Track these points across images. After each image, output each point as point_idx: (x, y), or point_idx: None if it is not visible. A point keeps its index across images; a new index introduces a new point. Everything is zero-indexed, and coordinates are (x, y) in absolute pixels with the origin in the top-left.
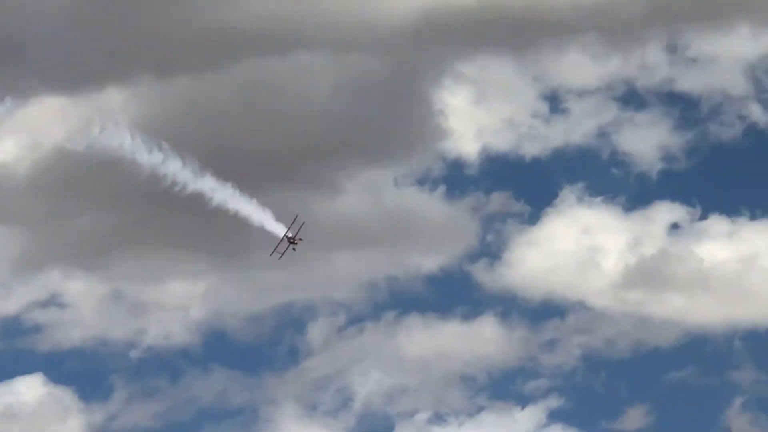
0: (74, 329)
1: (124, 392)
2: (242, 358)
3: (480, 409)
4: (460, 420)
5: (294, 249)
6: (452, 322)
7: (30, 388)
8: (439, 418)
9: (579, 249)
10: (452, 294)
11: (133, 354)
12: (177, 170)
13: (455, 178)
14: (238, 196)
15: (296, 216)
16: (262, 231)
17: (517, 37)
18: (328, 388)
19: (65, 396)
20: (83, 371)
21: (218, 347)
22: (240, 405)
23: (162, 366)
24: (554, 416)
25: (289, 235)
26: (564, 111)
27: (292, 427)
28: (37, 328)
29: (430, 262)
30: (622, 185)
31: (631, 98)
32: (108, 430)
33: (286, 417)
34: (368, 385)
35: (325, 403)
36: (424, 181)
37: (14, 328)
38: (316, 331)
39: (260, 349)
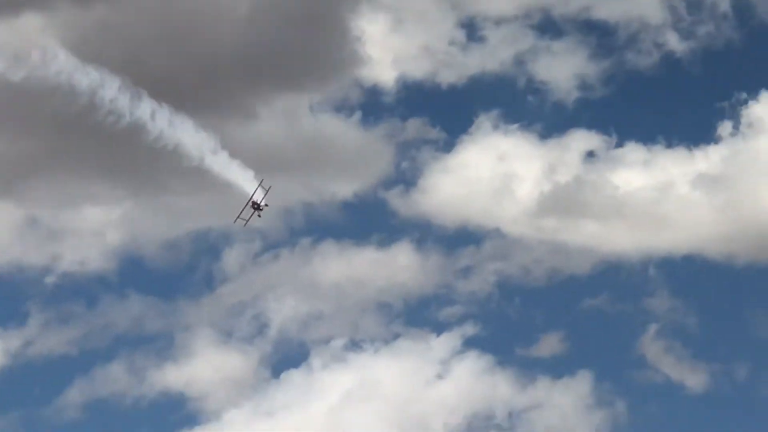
0: None
1: (39, 318)
2: (158, 285)
3: (396, 336)
4: (376, 347)
5: (259, 216)
6: (367, 249)
7: None
8: (354, 345)
9: (494, 176)
10: (367, 221)
11: (49, 280)
12: (94, 92)
13: (371, 105)
14: (156, 118)
15: (261, 180)
16: (176, 154)
17: None
18: (244, 314)
19: None
20: None
21: (134, 273)
22: (156, 331)
23: (78, 292)
24: (469, 343)
25: (256, 200)
26: (481, 39)
27: (207, 353)
28: None
29: (345, 189)
30: (538, 113)
31: (548, 26)
32: (24, 356)
33: (202, 343)
34: (283, 312)
35: (241, 330)
36: (340, 107)
37: None
38: (232, 258)
39: (176, 276)
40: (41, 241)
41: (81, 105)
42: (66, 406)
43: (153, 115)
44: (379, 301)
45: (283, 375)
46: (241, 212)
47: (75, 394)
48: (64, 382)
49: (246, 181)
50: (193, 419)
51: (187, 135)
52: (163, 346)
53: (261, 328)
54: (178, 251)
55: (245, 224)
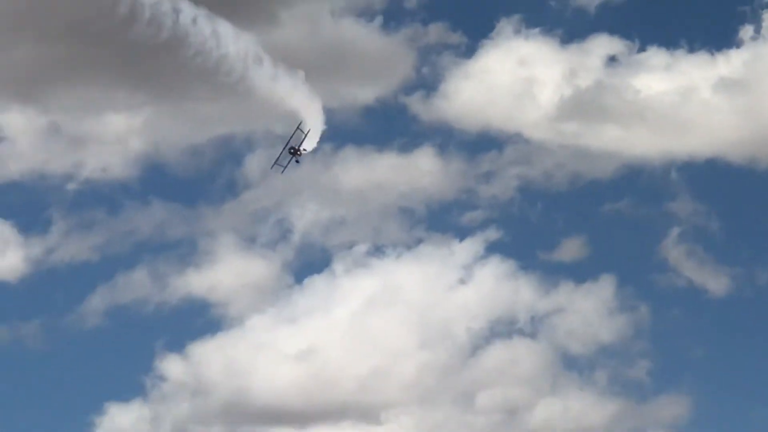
0: (12, 163)
1: (62, 225)
2: (180, 191)
3: (418, 242)
4: (399, 252)
5: (297, 161)
6: (389, 154)
7: None
8: (377, 250)
9: (515, 81)
10: (389, 126)
11: (71, 187)
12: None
13: (393, 10)
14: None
15: (300, 123)
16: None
17: None
18: (267, 220)
19: (4, 229)
20: (21, 205)
21: (156, 180)
22: (178, 237)
23: (100, 199)
24: (492, 248)
25: (294, 145)
26: None
27: (230, 259)
28: None
29: (366, 94)
30: (560, 18)
31: None
32: (47, 263)
33: (225, 249)
34: (306, 218)
35: (264, 236)
36: (361, 12)
37: None
38: (254, 164)
39: (198, 182)
40: (63, 148)
41: (117, 14)
42: (88, 313)
43: (194, 22)
44: (401, 207)
45: (305, 281)
46: (278, 157)
47: (97, 301)
48: (87, 289)
49: (295, 90)
50: (216, 325)
51: (229, 43)
52: (186, 252)
53: (284, 233)
54: (200, 157)
55: (282, 171)
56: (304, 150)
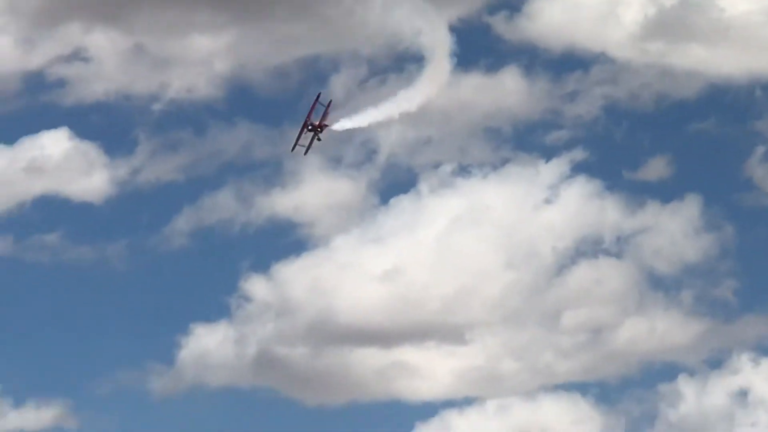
0: (98, 83)
1: (147, 146)
2: (266, 112)
3: (504, 161)
4: (485, 172)
5: (319, 139)
6: (474, 74)
7: (55, 143)
8: (463, 170)
9: (600, 0)
10: (473, 46)
11: (156, 107)
12: None
13: None
14: None
15: (319, 94)
16: None
17: None
18: (352, 140)
19: (90, 150)
20: (107, 125)
21: (242, 100)
22: (264, 158)
23: (185, 119)
24: (577, 168)
25: (314, 122)
26: None
27: (316, 180)
28: (60, 83)
29: (450, 14)
30: None
31: None
32: (132, 184)
33: (310, 170)
34: (392, 138)
35: (349, 156)
36: None
37: (38, 82)
38: (339, 84)
39: (284, 102)
40: (148, 69)
41: None
42: (173, 234)
43: None
44: (487, 127)
45: (391, 201)
46: (298, 138)
47: (182, 222)
48: (172, 210)
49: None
50: (301, 246)
51: None
52: (272, 173)
53: (369, 154)
54: (285, 78)
55: (306, 152)
56: (326, 125)
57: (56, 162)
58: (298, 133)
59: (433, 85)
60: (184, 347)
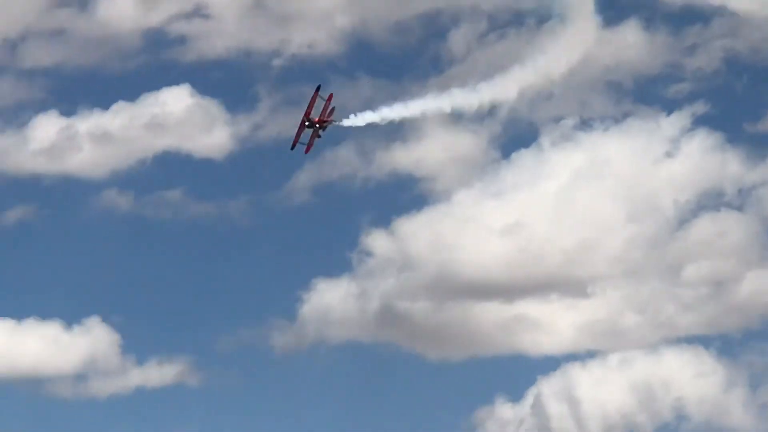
0: (218, 40)
1: (268, 102)
2: (387, 67)
3: (625, 115)
4: (606, 125)
5: (319, 136)
6: (595, 28)
7: (177, 99)
8: (584, 124)
9: None
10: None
11: (277, 63)
12: None
13: None
14: None
15: (318, 87)
16: None
17: None
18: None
19: (211, 107)
20: (228, 82)
21: (363, 56)
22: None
23: (307, 75)
24: (699, 121)
25: (314, 118)
26: None
27: (437, 134)
28: (181, 40)
29: None
30: None
31: None
32: (253, 140)
33: (431, 124)
34: (512, 92)
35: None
36: None
37: (159, 39)
38: (459, 39)
39: (404, 58)
40: (269, 25)
41: None
42: (295, 190)
43: None
44: (608, 80)
45: (512, 155)
46: (297, 134)
47: (304, 178)
48: (293, 165)
49: None
50: (422, 200)
51: None
52: (392, 127)
53: (491, 108)
54: (405, 33)
55: (307, 150)
56: (330, 120)
57: (177, 118)
58: (297, 130)
59: (577, 47)
60: (306, 303)
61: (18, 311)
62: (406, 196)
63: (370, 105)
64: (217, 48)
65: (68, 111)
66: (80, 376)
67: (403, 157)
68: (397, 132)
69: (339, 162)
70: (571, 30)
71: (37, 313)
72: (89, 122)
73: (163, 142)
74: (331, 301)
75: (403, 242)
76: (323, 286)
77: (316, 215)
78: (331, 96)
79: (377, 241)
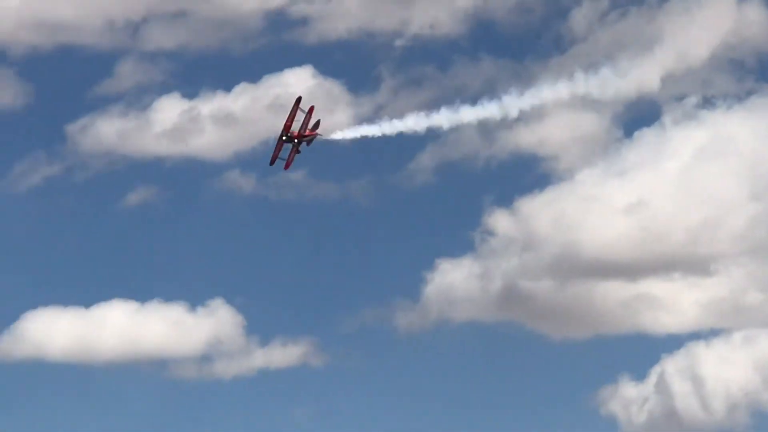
0: (340, 21)
1: (391, 83)
2: (509, 47)
3: (749, 93)
4: (729, 104)
5: (299, 151)
6: (714, 4)
7: (299, 80)
8: (707, 102)
9: None
10: None
11: (399, 44)
12: None
13: None
14: None
15: (299, 99)
16: None
17: None
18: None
19: (333, 88)
20: (350, 63)
21: (485, 36)
22: (507, 92)
23: (429, 55)
24: None
25: (294, 132)
26: None
27: (559, 114)
28: (303, 21)
29: None
30: None
31: None
32: (376, 120)
33: (554, 104)
34: (635, 71)
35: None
36: None
37: (281, 20)
38: (580, 18)
39: (526, 37)
40: (390, 6)
41: None
42: (417, 171)
43: None
44: (731, 58)
45: (635, 134)
46: (276, 150)
47: (426, 159)
48: (416, 146)
49: None
50: (545, 179)
51: None
52: (516, 107)
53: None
54: (528, 13)
55: (286, 166)
56: (314, 134)
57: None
58: (276, 144)
59: (709, 27)
60: (429, 283)
61: (142, 294)
62: (529, 175)
63: (492, 85)
64: (339, 29)
65: (191, 93)
66: (204, 358)
67: (526, 137)
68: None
69: (461, 142)
70: (700, 10)
71: (161, 296)
72: (212, 104)
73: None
74: (453, 281)
75: (526, 222)
76: (446, 266)
77: (438, 195)
78: (312, 109)
79: (500, 221)
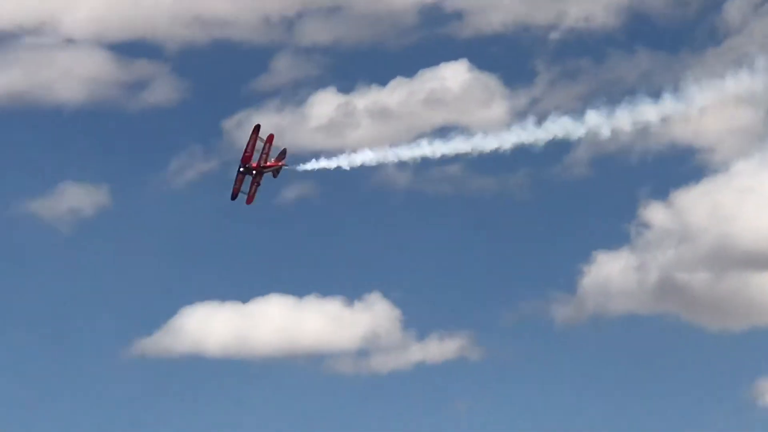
0: (495, 15)
1: (546, 76)
2: (664, 39)
3: None
4: None
5: (259, 183)
6: None
7: (454, 75)
8: None
9: None
10: None
11: (554, 37)
12: None
13: None
14: None
15: (257, 127)
16: None
17: None
18: (751, 66)
19: (489, 81)
20: (506, 56)
21: (640, 28)
22: (663, 85)
23: (584, 48)
24: None
25: (253, 164)
26: None
27: (715, 105)
28: (458, 15)
29: None
30: None
31: None
32: (531, 114)
33: (711, 94)
34: None
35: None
36: None
37: (436, 14)
38: (734, 10)
39: (683, 30)
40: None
41: None
42: (573, 163)
43: None
44: None
45: None
46: (235, 183)
47: (582, 151)
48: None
49: None
50: (701, 172)
51: None
52: (672, 99)
53: None
54: (683, 5)
55: (248, 201)
56: (284, 165)
57: (455, 94)
58: (235, 177)
59: None
60: (586, 275)
61: (299, 288)
62: (684, 168)
63: (647, 77)
64: (494, 23)
65: (346, 87)
66: (361, 352)
67: (681, 129)
68: (675, 104)
69: (617, 134)
70: None
71: (318, 290)
72: (367, 98)
73: (441, 117)
74: (610, 273)
75: (682, 214)
76: (603, 258)
77: (594, 188)
78: (271, 137)
79: (655, 213)
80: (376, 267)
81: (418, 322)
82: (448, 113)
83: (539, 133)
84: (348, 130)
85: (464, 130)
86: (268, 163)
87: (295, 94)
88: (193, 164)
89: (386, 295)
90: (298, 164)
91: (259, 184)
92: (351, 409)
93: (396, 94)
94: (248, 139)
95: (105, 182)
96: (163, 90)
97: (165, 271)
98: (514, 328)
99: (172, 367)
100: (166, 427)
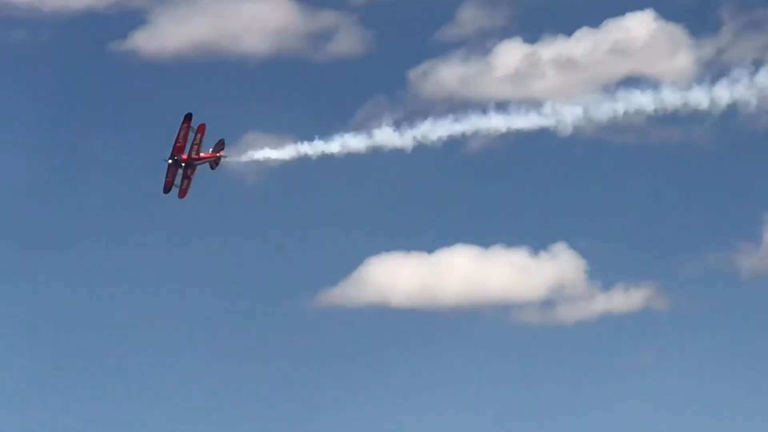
0: None
1: (732, 25)
2: None
3: None
4: None
5: (189, 177)
6: None
7: (640, 24)
8: None
9: None
10: None
11: None
12: None
13: None
14: None
15: (188, 116)
16: None
17: None
18: None
19: (675, 31)
20: (692, 6)
21: None
22: None
23: None
24: None
25: (183, 155)
26: None
27: None
28: None
29: None
30: None
31: None
32: (717, 64)
33: None
34: None
35: None
36: None
37: None
38: None
39: None
40: None
41: None
42: (760, 113)
43: None
44: None
45: None
46: (167, 176)
47: None
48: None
49: None
50: None
51: None
52: None
53: None
54: None
55: (181, 195)
56: (223, 156)
57: (641, 44)
58: (165, 169)
59: None
60: None
61: (485, 238)
62: None
63: None
64: None
65: (532, 38)
66: (547, 303)
67: None
68: None
69: None
70: None
71: (504, 240)
72: (552, 49)
73: (626, 68)
74: None
75: None
76: None
77: None
78: (202, 127)
79: None
80: (561, 217)
81: (603, 272)
82: (634, 64)
83: (725, 87)
84: (533, 80)
85: (649, 82)
86: (202, 155)
87: (481, 44)
88: (378, 114)
89: (572, 245)
90: (241, 155)
91: (191, 178)
92: (537, 359)
93: (582, 44)
94: (178, 129)
95: (290, 133)
96: (349, 40)
97: (351, 221)
98: (699, 279)
99: (357, 316)
100: (354, 378)
